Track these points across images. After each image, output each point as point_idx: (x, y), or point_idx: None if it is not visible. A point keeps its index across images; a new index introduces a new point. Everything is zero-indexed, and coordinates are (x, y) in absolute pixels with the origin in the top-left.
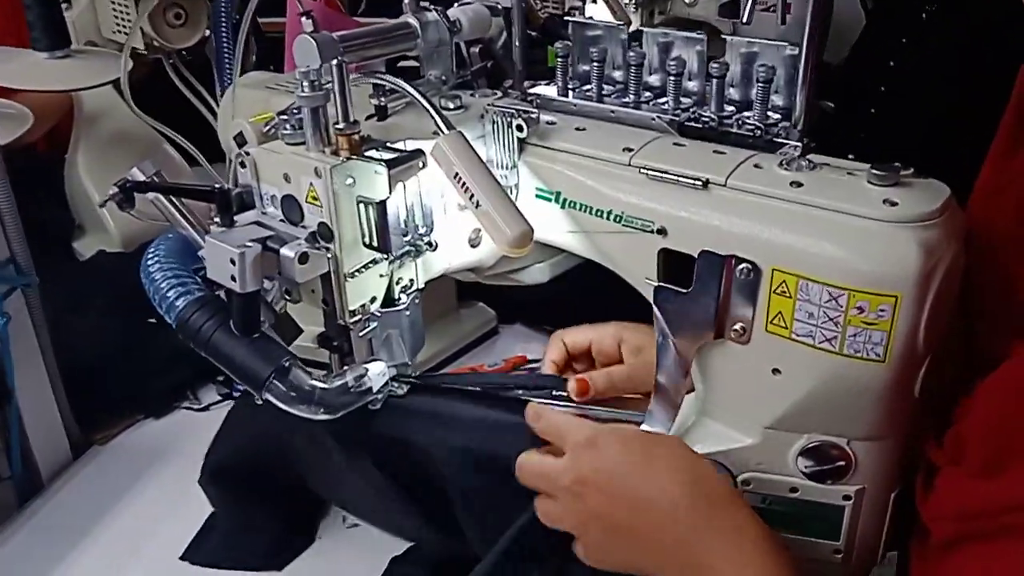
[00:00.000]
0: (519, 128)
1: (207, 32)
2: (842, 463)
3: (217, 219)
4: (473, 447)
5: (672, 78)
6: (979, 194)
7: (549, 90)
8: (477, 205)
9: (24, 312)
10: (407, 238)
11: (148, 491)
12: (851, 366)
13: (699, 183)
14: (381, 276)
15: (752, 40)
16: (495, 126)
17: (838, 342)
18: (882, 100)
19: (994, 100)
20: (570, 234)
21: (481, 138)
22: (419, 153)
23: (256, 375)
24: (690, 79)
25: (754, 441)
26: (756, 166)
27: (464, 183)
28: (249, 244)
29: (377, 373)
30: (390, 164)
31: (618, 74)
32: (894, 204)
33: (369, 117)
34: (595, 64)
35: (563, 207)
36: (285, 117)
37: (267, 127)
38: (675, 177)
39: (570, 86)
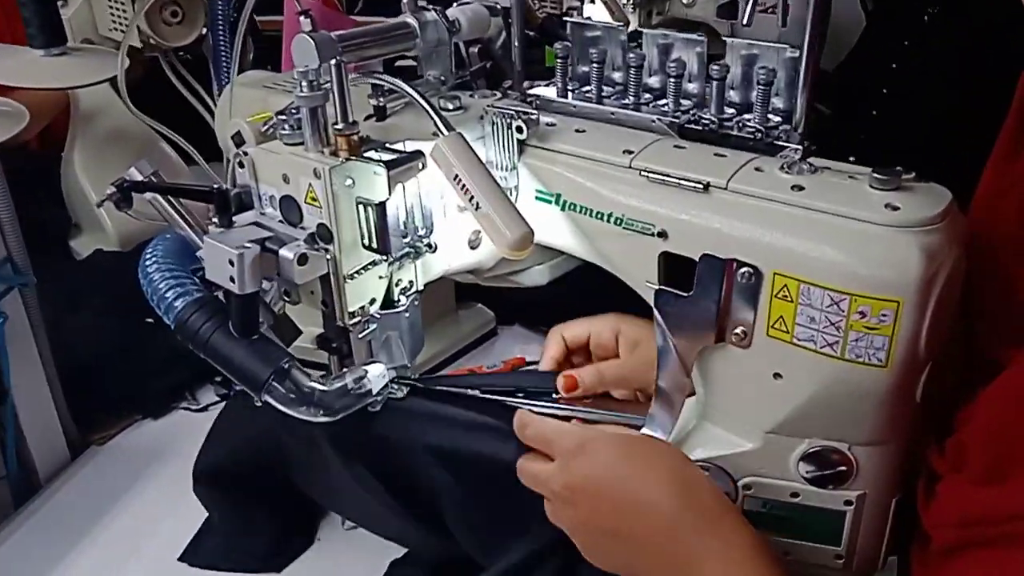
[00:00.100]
0: (519, 130)
1: (204, 30)
2: (843, 468)
3: (215, 219)
4: (461, 448)
5: (672, 80)
6: (981, 198)
7: (548, 91)
8: (477, 207)
9: (21, 312)
10: (407, 240)
11: (146, 492)
12: (853, 371)
13: (700, 186)
14: (380, 278)
15: (752, 42)
16: (495, 127)
17: (839, 347)
18: (883, 102)
19: (995, 103)
20: (570, 237)
21: (481, 139)
22: (418, 154)
23: (255, 377)
24: (690, 81)
25: (755, 446)
26: (757, 169)
27: (464, 185)
28: (248, 245)
29: (376, 375)
30: (389, 165)
31: (618, 75)
32: (896, 208)
33: (368, 117)
34: (595, 65)
35: (563, 209)
36: (283, 117)
37: (265, 127)
38: (676, 180)
39: (569, 87)
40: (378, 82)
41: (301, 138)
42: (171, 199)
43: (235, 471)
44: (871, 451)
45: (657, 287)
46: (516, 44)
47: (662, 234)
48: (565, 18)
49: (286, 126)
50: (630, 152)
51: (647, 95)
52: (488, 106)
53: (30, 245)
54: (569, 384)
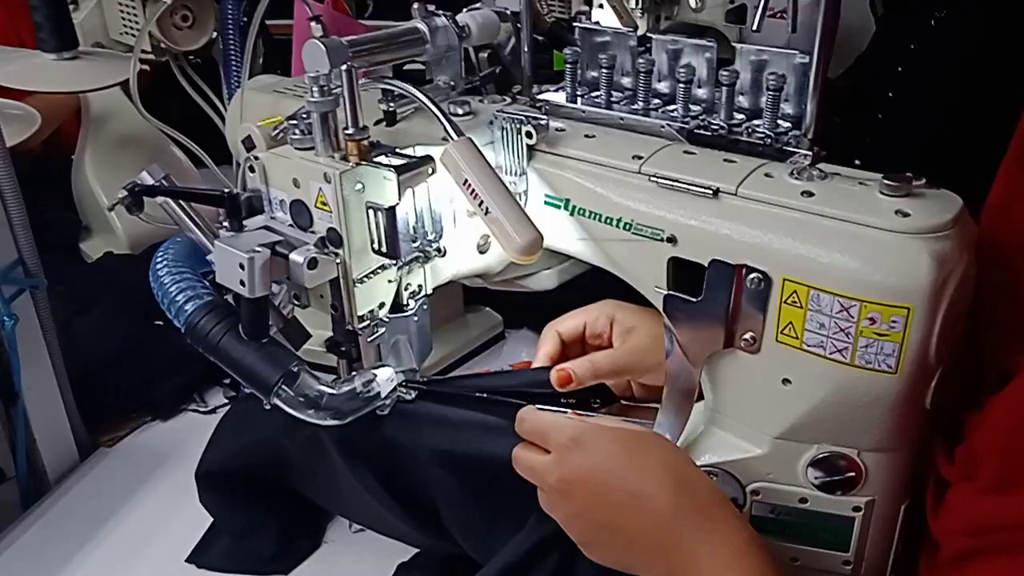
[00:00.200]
0: (528, 135)
1: (214, 34)
2: (852, 474)
3: (226, 223)
4: (469, 451)
5: (681, 85)
6: (991, 206)
7: (558, 96)
8: (486, 212)
9: (32, 314)
10: (416, 244)
11: (154, 493)
12: (862, 377)
13: (709, 191)
14: (390, 282)
15: (762, 48)
16: (504, 132)
17: (849, 353)
18: (890, 106)
19: (1002, 106)
20: (579, 241)
21: (490, 144)
22: (428, 159)
23: (265, 380)
24: (700, 86)
25: (763, 451)
26: (767, 175)
27: (473, 190)
28: (258, 249)
29: (385, 379)
30: (399, 170)
31: (627, 80)
32: (906, 215)
33: (378, 122)
34: (604, 70)
35: (572, 214)
36: (294, 122)
37: (276, 131)
38: (685, 185)
39: (579, 92)
40: (388, 87)
41: (311, 143)
42: (182, 203)
43: (240, 473)
44: (880, 457)
45: (666, 292)
46: (525, 49)
47: (671, 239)
48: (574, 23)
49: (297, 131)
50: (639, 157)
51: (656, 100)
52: (497, 111)
53: (41, 248)
54: (563, 378)
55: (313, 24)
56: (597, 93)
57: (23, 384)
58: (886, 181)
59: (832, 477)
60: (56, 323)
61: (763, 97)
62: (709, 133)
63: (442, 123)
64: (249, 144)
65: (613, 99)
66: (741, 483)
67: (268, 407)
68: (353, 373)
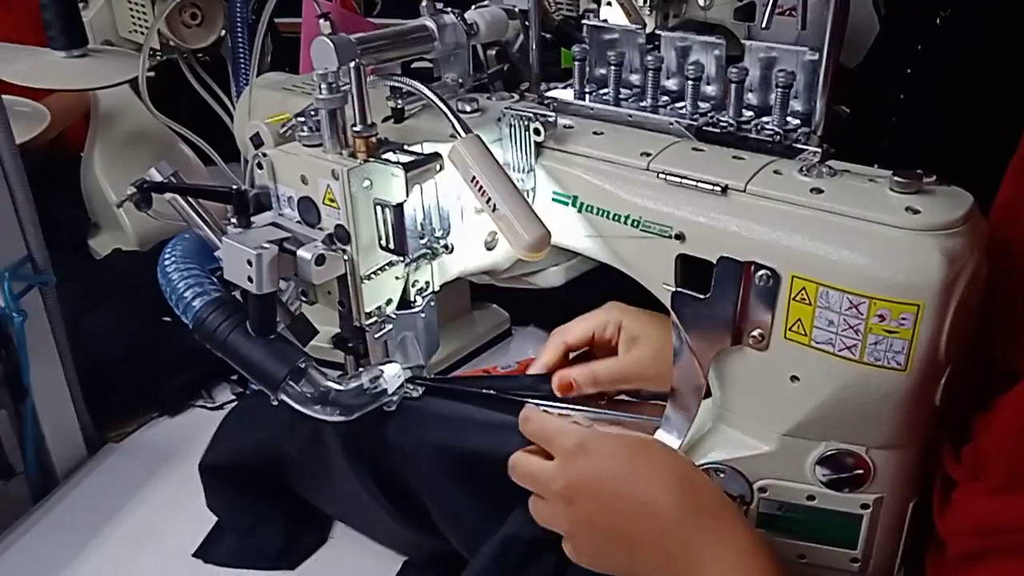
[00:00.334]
0: (536, 132)
1: (223, 32)
2: (860, 471)
3: (234, 220)
4: (475, 448)
5: (690, 82)
6: (999, 206)
7: (566, 93)
8: (494, 209)
9: (41, 310)
10: (423, 241)
11: (162, 488)
12: (871, 374)
13: (718, 189)
14: (397, 278)
15: (771, 45)
16: (512, 129)
17: (858, 350)
18: (898, 106)
19: (1008, 105)
20: (587, 238)
21: (498, 141)
22: (436, 156)
23: (272, 376)
24: (708, 83)
25: (771, 448)
26: (776, 172)
27: (481, 186)
28: (266, 245)
29: (392, 375)
30: (407, 167)
31: (635, 78)
32: (917, 212)
33: (385, 119)
34: (612, 68)
35: (580, 211)
36: (302, 119)
37: (284, 128)
38: (694, 182)
39: (587, 89)
40: (396, 84)
41: (319, 140)
42: (190, 199)
43: (245, 469)
44: (888, 455)
45: (674, 289)
46: (533, 46)
47: (680, 236)
48: (582, 21)
49: (305, 128)
50: (648, 154)
51: (665, 97)
52: (505, 108)
53: (50, 244)
54: (564, 387)
55: (321, 21)
56: (605, 90)
57: (32, 380)
58: (896, 178)
59: (840, 474)
60: (65, 319)
61: (772, 94)
62: (718, 130)
63: (450, 120)
64: (257, 141)
65: (621, 96)
66: (749, 480)
67: (275, 403)
68: (360, 369)
